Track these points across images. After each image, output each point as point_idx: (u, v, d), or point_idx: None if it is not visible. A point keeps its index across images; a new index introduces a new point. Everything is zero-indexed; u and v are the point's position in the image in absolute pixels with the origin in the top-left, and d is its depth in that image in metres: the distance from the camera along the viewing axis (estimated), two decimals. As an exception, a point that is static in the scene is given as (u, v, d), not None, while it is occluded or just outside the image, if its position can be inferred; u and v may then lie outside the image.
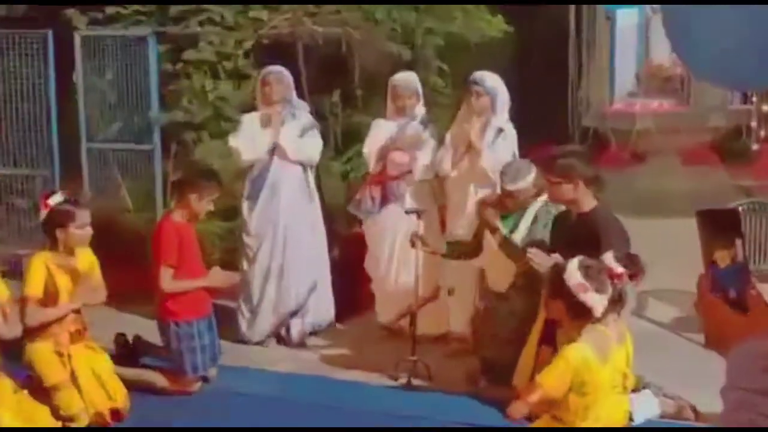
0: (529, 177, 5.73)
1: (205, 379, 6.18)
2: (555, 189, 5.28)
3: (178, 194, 6.19)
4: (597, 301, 4.21)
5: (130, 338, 6.56)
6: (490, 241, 5.94)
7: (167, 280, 5.97)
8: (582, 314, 4.24)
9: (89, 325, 5.72)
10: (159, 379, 6.08)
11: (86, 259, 5.64)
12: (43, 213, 5.48)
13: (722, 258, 1.94)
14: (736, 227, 1.95)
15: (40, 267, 5.40)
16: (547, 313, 4.52)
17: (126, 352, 6.44)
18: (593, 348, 4.22)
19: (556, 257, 4.96)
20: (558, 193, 5.29)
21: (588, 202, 5.22)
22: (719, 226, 1.92)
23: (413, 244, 6.26)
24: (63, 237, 5.43)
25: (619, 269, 4.40)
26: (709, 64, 4.07)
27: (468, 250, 6.18)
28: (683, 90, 11.76)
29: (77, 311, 5.56)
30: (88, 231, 5.52)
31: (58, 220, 5.42)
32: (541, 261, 5.11)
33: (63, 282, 5.46)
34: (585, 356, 4.18)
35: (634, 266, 4.54)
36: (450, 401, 5.90)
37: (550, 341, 4.61)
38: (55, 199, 5.47)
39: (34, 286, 5.36)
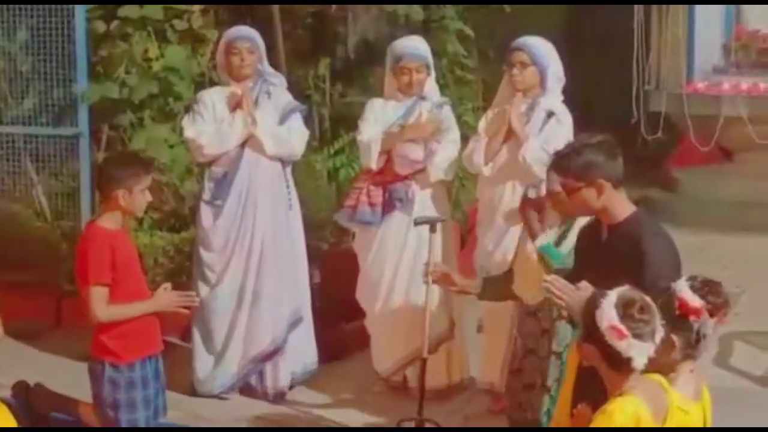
0: None
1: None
2: (574, 197, 5.14)
3: (101, 193, 6.16)
4: (637, 351, 4.15)
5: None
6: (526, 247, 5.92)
7: (99, 305, 5.83)
8: (620, 365, 4.21)
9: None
10: None
11: None
12: None
13: None
14: None
15: None
16: (582, 358, 4.48)
17: (28, 406, 6.38)
18: (647, 404, 4.19)
19: (584, 286, 4.89)
20: (579, 202, 5.15)
21: (621, 209, 5.06)
22: None
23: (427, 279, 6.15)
24: None
25: (697, 302, 4.36)
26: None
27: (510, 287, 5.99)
28: (787, 66, 11.75)
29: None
30: None
31: None
32: (564, 295, 5.02)
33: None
34: (635, 413, 4.14)
35: (715, 298, 4.48)
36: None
37: (591, 397, 4.56)
38: None
39: None
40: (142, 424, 5.98)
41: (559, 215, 5.81)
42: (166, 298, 6.00)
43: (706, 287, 4.44)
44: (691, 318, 4.32)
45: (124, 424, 5.95)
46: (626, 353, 4.13)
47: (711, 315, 4.40)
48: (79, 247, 6.11)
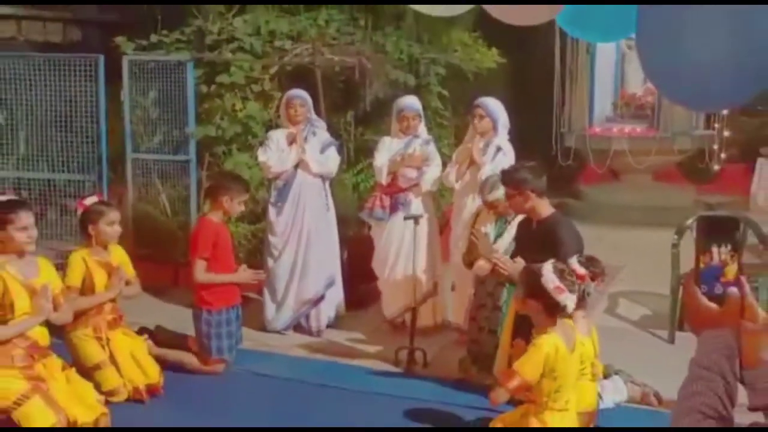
0: (501, 189, 5.67)
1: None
2: (511, 201, 5.25)
3: (212, 198, 6.18)
4: (570, 300, 4.21)
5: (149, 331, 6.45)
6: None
7: (200, 272, 5.94)
8: (556, 311, 4.23)
9: (132, 312, 5.76)
10: (191, 360, 6.08)
11: (118, 255, 5.71)
12: (79, 212, 5.59)
13: (702, 259, 1.99)
14: (719, 234, 1.97)
15: (78, 261, 5.50)
16: (521, 309, 4.49)
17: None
18: (562, 338, 4.22)
19: (519, 261, 4.93)
20: (514, 204, 5.25)
21: (545, 210, 5.15)
22: (707, 230, 1.96)
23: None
24: (95, 233, 5.53)
25: (582, 271, 4.40)
26: (680, 88, 4.09)
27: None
28: (653, 116, 11.71)
29: (113, 301, 5.61)
30: (117, 228, 5.61)
31: (91, 217, 5.52)
32: (506, 265, 5.08)
33: (98, 274, 5.53)
34: (556, 345, 4.18)
35: (595, 268, 4.55)
36: (443, 386, 5.88)
37: (523, 334, 4.58)
38: (89, 201, 5.60)
39: (73, 278, 5.45)
40: (224, 350, 6.02)
41: (494, 214, 5.86)
42: (244, 274, 6.10)
43: (589, 261, 4.52)
44: (578, 282, 4.35)
45: (214, 350, 6.00)
46: (564, 302, 4.17)
47: (592, 279, 4.48)
48: (194, 231, 6.20)
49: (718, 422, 1.83)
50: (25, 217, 4.85)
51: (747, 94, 3.99)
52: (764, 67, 3.69)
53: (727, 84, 3.79)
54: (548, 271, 4.24)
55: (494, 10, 4.49)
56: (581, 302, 4.46)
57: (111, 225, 5.56)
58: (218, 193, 6.04)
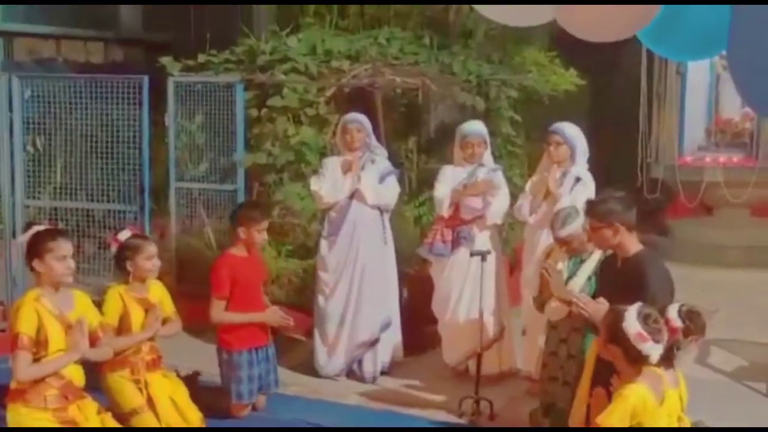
0: (575, 223, 5.62)
1: (253, 407, 6.25)
2: (597, 234, 5.14)
3: (231, 230, 6.28)
4: (654, 350, 4.15)
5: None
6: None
7: (216, 312, 6.10)
8: (638, 360, 4.18)
9: (171, 354, 5.85)
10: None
11: (157, 291, 5.79)
12: (114, 248, 5.68)
13: None
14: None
15: (115, 297, 5.59)
16: (603, 354, 4.43)
17: None
18: (650, 388, 4.16)
19: (602, 302, 4.87)
20: (600, 238, 5.15)
21: (632, 246, 5.05)
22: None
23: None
24: (133, 269, 5.61)
25: (677, 324, 4.30)
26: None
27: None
28: (752, 144, 11.56)
29: (152, 340, 5.69)
30: (156, 263, 5.69)
31: (127, 253, 5.61)
32: (587, 307, 5.01)
33: (135, 312, 5.60)
34: (643, 396, 4.12)
35: (694, 325, 4.41)
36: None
37: (603, 383, 4.52)
38: (124, 235, 5.69)
39: (110, 316, 5.53)
40: (244, 394, 6.15)
41: (567, 252, 5.79)
42: (272, 315, 6.23)
43: (689, 315, 4.39)
44: (670, 334, 4.27)
45: (233, 393, 6.14)
46: (646, 352, 4.12)
47: (685, 336, 4.35)
48: (212, 267, 6.29)
49: None
50: (65, 247, 4.95)
51: None
52: None
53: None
54: (631, 316, 4.18)
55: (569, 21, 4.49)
56: (668, 357, 4.34)
57: (150, 260, 5.67)
58: (233, 224, 6.17)
